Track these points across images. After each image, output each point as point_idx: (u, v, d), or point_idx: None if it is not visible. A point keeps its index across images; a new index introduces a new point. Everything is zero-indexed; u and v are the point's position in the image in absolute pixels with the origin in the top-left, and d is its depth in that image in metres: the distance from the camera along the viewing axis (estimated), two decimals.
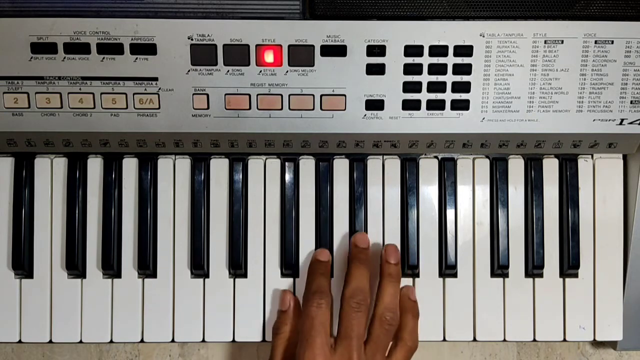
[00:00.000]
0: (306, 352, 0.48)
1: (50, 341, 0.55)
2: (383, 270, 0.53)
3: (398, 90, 0.51)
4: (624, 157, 0.57)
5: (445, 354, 0.61)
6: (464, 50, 0.50)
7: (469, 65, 0.51)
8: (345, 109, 0.52)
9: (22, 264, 0.55)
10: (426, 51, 0.50)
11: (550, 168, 0.56)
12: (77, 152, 0.55)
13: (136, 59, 0.50)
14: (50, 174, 0.55)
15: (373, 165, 0.56)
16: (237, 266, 0.55)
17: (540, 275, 0.56)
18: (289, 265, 0.55)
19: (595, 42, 0.50)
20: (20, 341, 0.55)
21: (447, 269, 0.56)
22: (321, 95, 0.51)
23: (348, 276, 0.52)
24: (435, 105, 0.52)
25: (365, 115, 0.52)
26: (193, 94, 0.51)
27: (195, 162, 0.56)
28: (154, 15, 0.50)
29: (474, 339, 0.56)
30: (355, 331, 0.49)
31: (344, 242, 0.56)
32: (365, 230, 0.56)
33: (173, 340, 0.55)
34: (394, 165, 0.56)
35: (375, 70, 0.51)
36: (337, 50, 0.50)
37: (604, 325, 0.56)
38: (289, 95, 0.51)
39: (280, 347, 0.52)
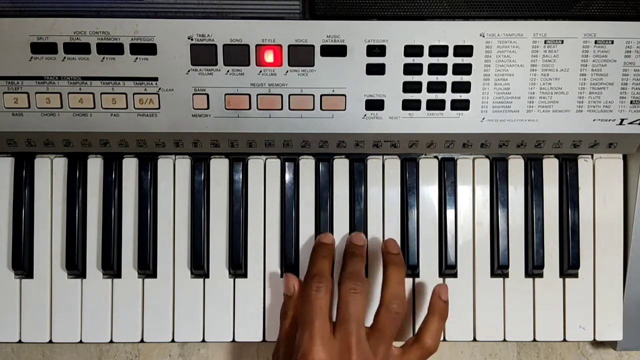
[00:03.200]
0: (304, 336, 0.48)
1: (50, 341, 0.55)
2: (386, 260, 0.53)
3: (398, 90, 0.51)
4: (624, 157, 0.57)
5: (445, 354, 0.61)
6: (464, 50, 0.50)
7: (469, 65, 0.51)
8: (345, 109, 0.52)
9: (22, 264, 0.55)
10: (426, 51, 0.50)
11: (550, 168, 0.56)
12: (77, 152, 0.55)
13: (136, 59, 0.50)
14: (50, 174, 0.55)
15: (373, 165, 0.56)
16: (237, 266, 0.55)
17: (540, 275, 0.56)
18: (289, 265, 0.55)
19: (595, 42, 0.50)
20: (20, 341, 0.55)
21: (447, 269, 0.56)
22: (321, 95, 0.51)
23: (344, 265, 0.52)
24: (435, 105, 0.52)
25: (365, 115, 0.52)
26: (193, 94, 0.51)
27: (195, 162, 0.56)
28: (154, 15, 0.50)
29: (474, 339, 0.56)
30: (353, 314, 0.48)
31: (344, 243, 0.56)
32: (365, 230, 0.56)
33: (173, 340, 0.55)
34: (394, 165, 0.56)
35: (375, 70, 0.51)
36: (337, 50, 0.50)
37: (604, 325, 0.56)
38: (289, 95, 0.51)
39: (286, 331, 0.52)
